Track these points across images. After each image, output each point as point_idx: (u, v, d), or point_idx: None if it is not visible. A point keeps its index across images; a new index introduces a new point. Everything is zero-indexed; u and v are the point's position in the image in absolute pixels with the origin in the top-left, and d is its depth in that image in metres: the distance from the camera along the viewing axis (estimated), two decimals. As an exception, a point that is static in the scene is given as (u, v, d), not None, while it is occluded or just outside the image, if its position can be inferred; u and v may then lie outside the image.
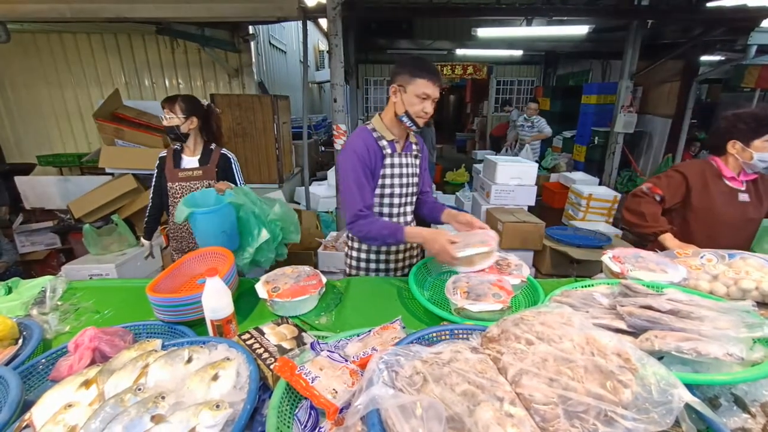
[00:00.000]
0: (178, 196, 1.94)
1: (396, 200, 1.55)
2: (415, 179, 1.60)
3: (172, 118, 1.90)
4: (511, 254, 1.47)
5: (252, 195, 1.67)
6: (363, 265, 1.65)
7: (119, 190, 3.46)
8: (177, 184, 1.96)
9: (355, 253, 1.65)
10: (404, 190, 1.56)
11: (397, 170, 1.51)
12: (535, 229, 3.05)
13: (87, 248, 2.94)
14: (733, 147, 1.66)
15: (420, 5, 6.12)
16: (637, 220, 1.75)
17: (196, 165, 2.00)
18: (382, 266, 1.64)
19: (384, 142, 1.48)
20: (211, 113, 2.04)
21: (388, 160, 1.49)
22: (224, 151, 2.04)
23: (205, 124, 2.02)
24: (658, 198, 1.75)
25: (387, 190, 1.52)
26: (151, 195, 2.08)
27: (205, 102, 2.03)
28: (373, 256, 1.62)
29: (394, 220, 1.58)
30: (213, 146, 2.04)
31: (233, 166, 2.04)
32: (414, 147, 1.60)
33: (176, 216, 1.52)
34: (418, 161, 1.61)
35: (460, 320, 1.08)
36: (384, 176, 1.50)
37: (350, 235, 1.64)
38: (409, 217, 1.65)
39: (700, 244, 1.54)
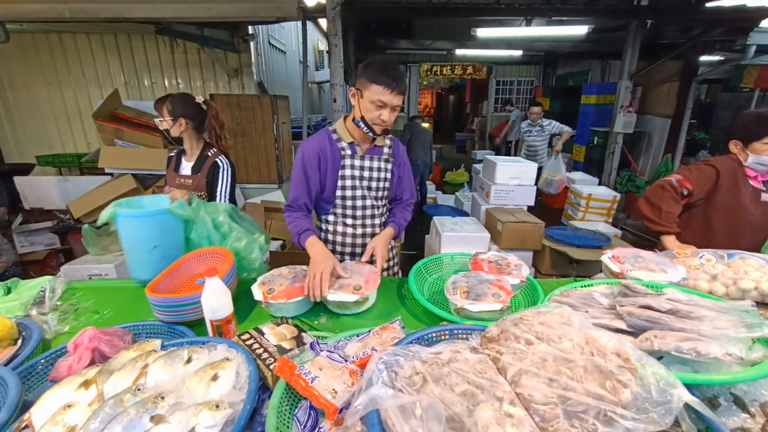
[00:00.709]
0: None
1: (359, 202, 1.53)
2: (384, 184, 1.56)
3: (162, 122, 1.76)
4: (510, 254, 1.48)
5: (222, 217, 1.43)
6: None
7: (119, 191, 3.45)
8: (171, 191, 1.77)
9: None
10: (367, 193, 1.53)
11: (357, 172, 1.49)
12: (535, 229, 3.06)
13: (86, 248, 2.93)
14: (735, 147, 1.66)
15: (420, 5, 6.12)
16: (651, 214, 1.69)
17: (189, 173, 1.82)
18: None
19: (343, 144, 1.47)
20: (206, 112, 1.81)
21: (347, 161, 1.47)
22: (219, 158, 1.80)
23: (199, 124, 1.81)
24: (686, 192, 1.68)
25: (348, 192, 1.51)
26: None
27: (200, 98, 1.81)
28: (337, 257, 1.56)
29: (358, 222, 1.56)
30: (211, 152, 1.82)
31: (219, 175, 1.77)
32: (385, 151, 1.54)
33: (100, 217, 1.29)
34: (389, 166, 1.55)
35: (460, 320, 1.08)
36: (343, 177, 1.49)
37: None
38: (377, 220, 1.60)
39: (721, 242, 1.50)
